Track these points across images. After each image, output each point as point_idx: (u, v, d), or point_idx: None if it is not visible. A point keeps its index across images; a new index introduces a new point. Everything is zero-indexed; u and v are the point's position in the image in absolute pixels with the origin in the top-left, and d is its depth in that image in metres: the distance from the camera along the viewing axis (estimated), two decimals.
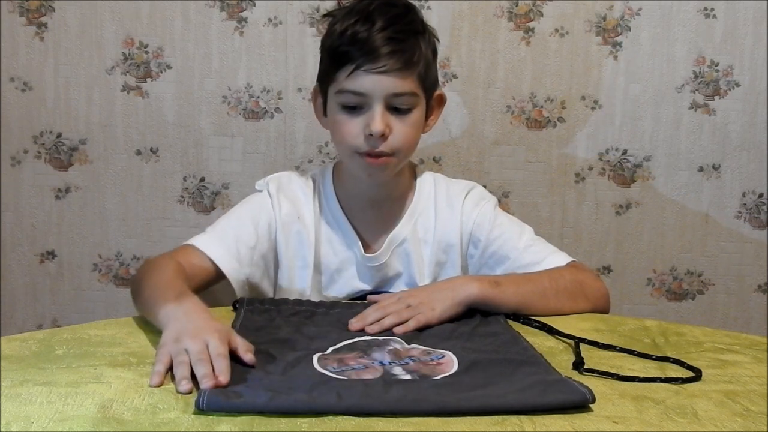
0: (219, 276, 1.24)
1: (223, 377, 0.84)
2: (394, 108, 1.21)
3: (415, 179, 1.35)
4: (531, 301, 1.17)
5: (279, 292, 1.30)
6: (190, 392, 0.83)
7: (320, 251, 1.29)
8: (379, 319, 1.08)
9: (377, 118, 1.19)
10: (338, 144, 1.27)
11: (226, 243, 1.23)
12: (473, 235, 1.32)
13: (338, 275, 1.30)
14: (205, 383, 0.83)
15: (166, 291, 1.04)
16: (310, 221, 1.30)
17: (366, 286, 1.31)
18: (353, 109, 1.22)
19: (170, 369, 0.89)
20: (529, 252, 1.28)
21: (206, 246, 1.23)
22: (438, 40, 1.32)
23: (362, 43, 1.18)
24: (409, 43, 1.22)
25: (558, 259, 1.28)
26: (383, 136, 1.20)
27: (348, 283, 1.30)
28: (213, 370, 0.85)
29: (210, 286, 1.25)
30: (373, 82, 1.19)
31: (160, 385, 0.85)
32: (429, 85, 1.27)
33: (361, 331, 1.06)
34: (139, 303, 1.11)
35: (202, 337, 0.90)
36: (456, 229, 1.32)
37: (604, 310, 1.25)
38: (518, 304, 1.16)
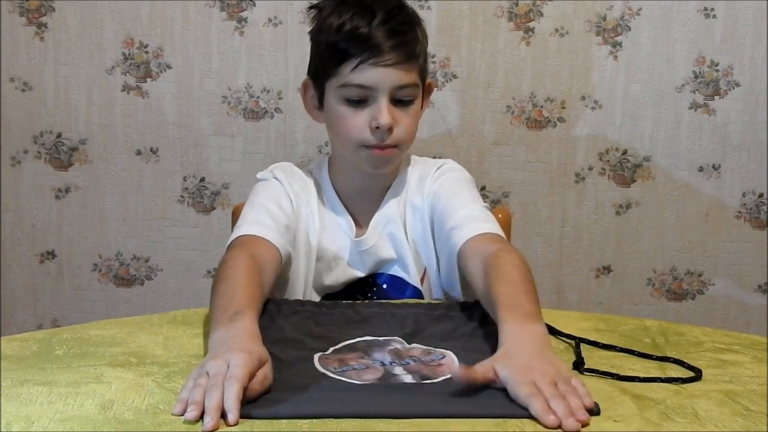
0: (281, 257, 1.20)
1: (231, 416, 0.76)
2: (397, 100, 1.22)
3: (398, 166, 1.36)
4: None
5: (289, 272, 1.29)
6: (196, 420, 0.76)
7: (322, 237, 1.30)
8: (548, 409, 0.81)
9: (384, 111, 1.20)
10: (340, 137, 1.26)
11: (265, 223, 1.21)
12: (432, 207, 1.30)
13: (335, 263, 1.30)
14: (207, 423, 0.75)
15: (224, 310, 0.96)
16: (314, 207, 1.30)
17: (360, 273, 1.31)
18: (357, 103, 1.21)
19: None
20: (457, 216, 1.23)
21: (256, 231, 1.19)
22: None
23: (366, 38, 1.18)
24: (410, 35, 1.23)
25: (476, 226, 1.20)
26: (390, 129, 1.21)
27: (343, 271, 1.31)
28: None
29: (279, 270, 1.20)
30: (379, 75, 1.19)
31: (181, 414, 0.78)
32: (424, 75, 1.28)
33: (362, 332, 1.05)
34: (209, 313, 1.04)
35: (225, 357, 0.82)
36: (425, 207, 1.31)
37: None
38: None
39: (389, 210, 1.32)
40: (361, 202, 1.32)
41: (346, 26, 1.19)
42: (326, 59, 1.23)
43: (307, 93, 1.30)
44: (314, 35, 1.27)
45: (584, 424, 0.78)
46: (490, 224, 1.22)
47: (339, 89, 1.22)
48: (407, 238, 1.31)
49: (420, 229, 1.32)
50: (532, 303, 0.99)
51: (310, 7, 1.29)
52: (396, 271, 1.32)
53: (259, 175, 1.34)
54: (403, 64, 1.20)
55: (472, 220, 1.22)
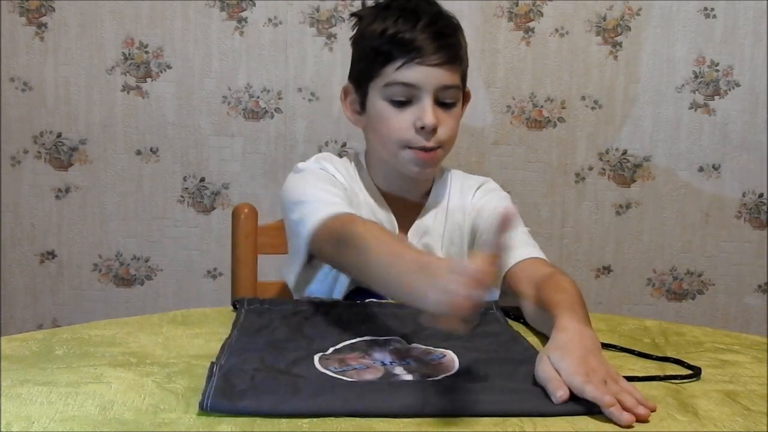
0: None
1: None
2: (441, 102, 1.23)
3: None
4: None
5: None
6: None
7: None
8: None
9: (429, 111, 1.20)
10: (383, 138, 1.25)
11: (338, 203, 1.18)
12: (474, 224, 1.32)
13: None
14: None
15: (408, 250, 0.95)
16: (362, 200, 1.30)
17: None
18: (401, 104, 1.22)
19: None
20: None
21: (340, 209, 1.16)
22: None
23: (410, 41, 1.19)
24: (454, 38, 1.24)
25: (527, 250, 1.22)
26: (434, 130, 1.21)
27: None
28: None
29: None
30: (424, 74, 1.20)
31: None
32: (465, 81, 1.29)
33: (362, 332, 1.05)
34: (378, 272, 0.98)
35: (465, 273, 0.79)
36: (466, 222, 1.32)
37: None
38: None
39: (427, 221, 1.32)
40: (399, 203, 1.32)
41: (389, 30, 1.21)
42: (370, 62, 1.24)
43: (348, 98, 1.31)
44: (356, 41, 1.28)
45: (643, 420, 0.79)
46: (539, 250, 1.24)
47: (383, 89, 1.22)
48: (442, 251, 1.32)
49: (458, 244, 1.33)
50: (585, 313, 1.01)
51: (352, 15, 1.30)
52: None
53: (301, 165, 1.29)
54: (448, 65, 1.21)
55: (522, 243, 1.24)
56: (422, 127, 1.20)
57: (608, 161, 2.23)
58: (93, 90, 2.18)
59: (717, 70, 2.19)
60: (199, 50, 2.17)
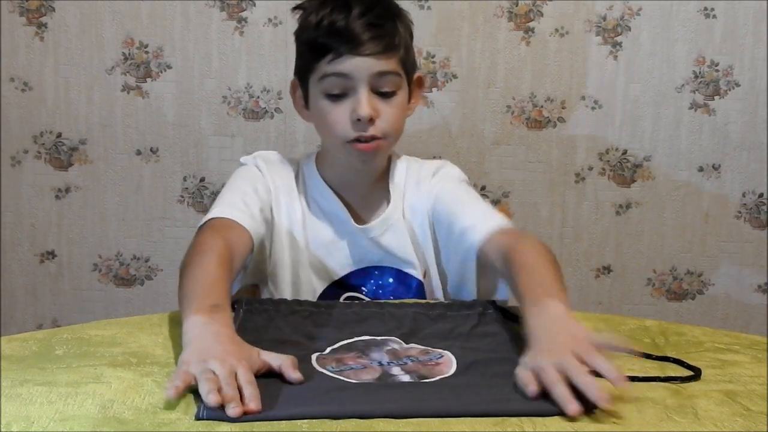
0: (252, 243, 1.21)
1: (254, 404, 0.78)
2: (379, 92, 1.22)
3: (389, 159, 1.36)
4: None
5: (271, 264, 1.29)
6: (218, 404, 0.78)
7: (308, 228, 1.30)
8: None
9: (363, 101, 1.19)
10: (326, 134, 1.27)
11: (239, 207, 1.22)
12: (435, 211, 1.31)
13: (333, 247, 1.30)
14: (233, 409, 0.77)
15: (203, 296, 0.98)
16: (295, 197, 1.30)
17: (365, 257, 1.31)
18: (337, 97, 1.21)
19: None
20: (467, 216, 1.26)
21: (229, 214, 1.19)
22: (412, 23, 1.31)
23: (342, 32, 1.19)
24: (388, 27, 1.23)
25: (490, 223, 1.23)
26: (371, 120, 1.20)
27: (346, 256, 1.30)
28: (240, 396, 0.80)
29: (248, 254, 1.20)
30: (357, 63, 1.19)
31: (175, 398, 0.79)
32: (409, 67, 1.27)
33: (360, 331, 1.06)
34: (179, 293, 1.04)
35: (229, 362, 0.83)
36: (423, 209, 1.32)
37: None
38: None
39: (388, 213, 1.32)
40: (351, 192, 1.32)
41: (324, 22, 1.21)
42: (306, 56, 1.25)
43: (296, 93, 1.32)
44: (297, 35, 1.29)
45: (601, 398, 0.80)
46: (501, 219, 1.25)
47: (319, 83, 1.22)
48: (410, 239, 1.32)
49: (420, 231, 1.32)
50: (549, 281, 1.02)
51: (294, 8, 1.30)
52: (401, 266, 1.32)
53: (242, 159, 1.35)
54: (381, 54, 1.20)
55: (484, 218, 1.25)
56: (358, 119, 1.20)
57: (608, 161, 2.23)
58: (93, 90, 2.18)
59: (717, 70, 2.19)
60: (199, 50, 2.17)
